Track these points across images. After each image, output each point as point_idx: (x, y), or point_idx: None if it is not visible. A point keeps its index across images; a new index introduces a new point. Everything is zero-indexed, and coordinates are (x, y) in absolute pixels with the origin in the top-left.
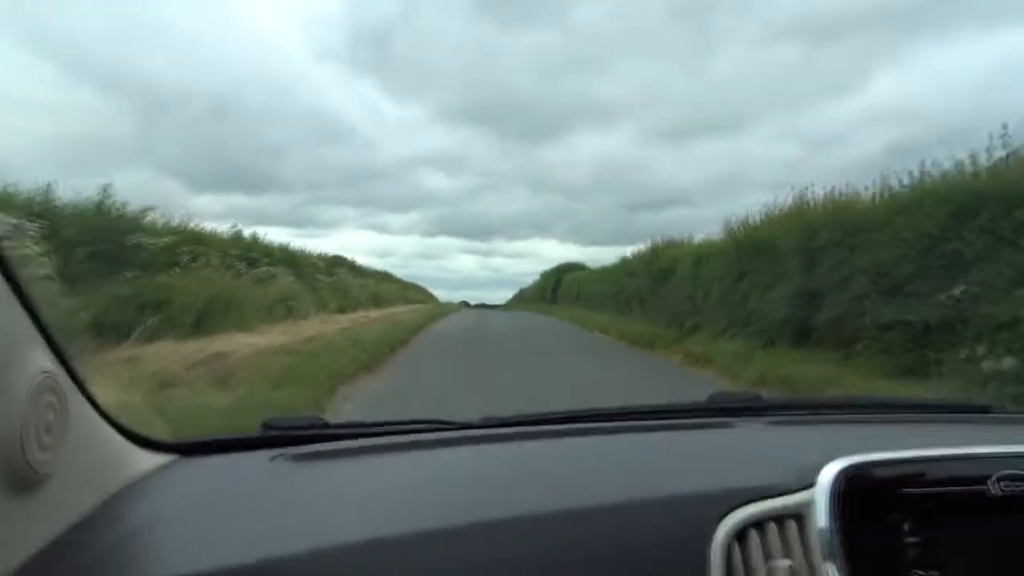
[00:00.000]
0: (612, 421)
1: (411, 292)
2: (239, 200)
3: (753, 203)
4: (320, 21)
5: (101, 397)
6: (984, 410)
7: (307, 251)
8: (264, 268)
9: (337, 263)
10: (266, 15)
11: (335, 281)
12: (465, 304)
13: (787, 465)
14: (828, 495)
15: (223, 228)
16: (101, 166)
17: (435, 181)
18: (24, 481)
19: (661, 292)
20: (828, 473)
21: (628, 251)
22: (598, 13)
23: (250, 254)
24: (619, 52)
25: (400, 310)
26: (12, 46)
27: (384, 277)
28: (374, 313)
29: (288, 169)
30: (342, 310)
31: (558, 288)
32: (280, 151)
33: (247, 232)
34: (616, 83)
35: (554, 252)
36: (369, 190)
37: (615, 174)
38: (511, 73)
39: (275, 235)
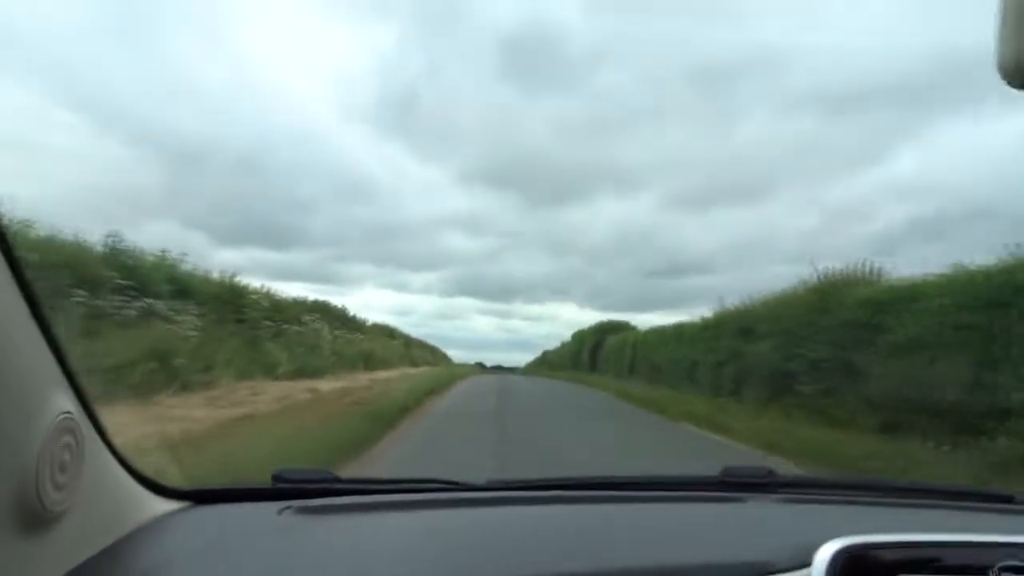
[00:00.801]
0: (623, 490)
1: (417, 351)
2: (262, 255)
3: (774, 274)
4: (348, 82)
5: (119, 441)
6: (1007, 499)
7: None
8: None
9: (318, 309)
10: (296, 74)
11: (301, 334)
12: (481, 366)
13: (787, 543)
14: (823, 574)
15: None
16: (127, 217)
17: (456, 242)
18: (36, 519)
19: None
20: (825, 553)
21: (648, 318)
22: (620, 80)
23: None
24: (641, 118)
25: (394, 374)
26: (44, 97)
27: (386, 333)
28: (362, 378)
29: (312, 226)
30: (301, 375)
31: (598, 351)
32: (304, 208)
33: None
34: (638, 149)
35: (572, 316)
36: (391, 249)
37: (635, 239)
38: (533, 137)
39: (297, 291)
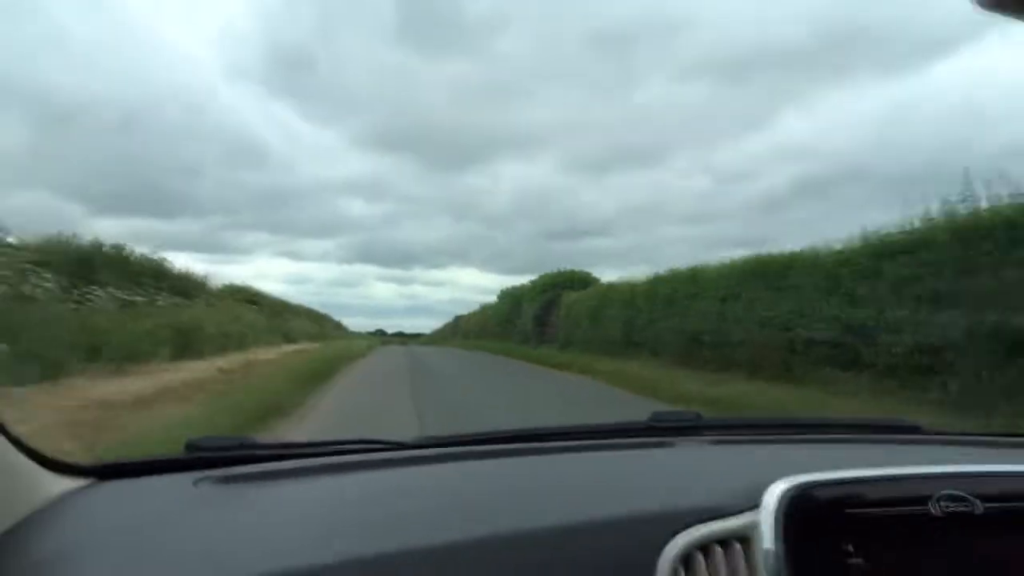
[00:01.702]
0: (552, 441)
1: (297, 322)
2: (145, 223)
3: (668, 236)
4: (234, 38)
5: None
6: (915, 429)
7: None
8: None
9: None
10: (178, 27)
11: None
12: (382, 334)
13: (731, 486)
14: (773, 516)
15: None
16: None
17: (353, 207)
18: None
19: None
20: (773, 494)
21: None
22: (520, 43)
23: None
24: (540, 82)
25: (238, 360)
26: None
27: (245, 298)
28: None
29: (199, 192)
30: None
31: (549, 314)
32: (190, 172)
33: None
34: (537, 112)
35: (473, 280)
36: (285, 215)
37: (535, 203)
38: (432, 101)
39: (185, 261)
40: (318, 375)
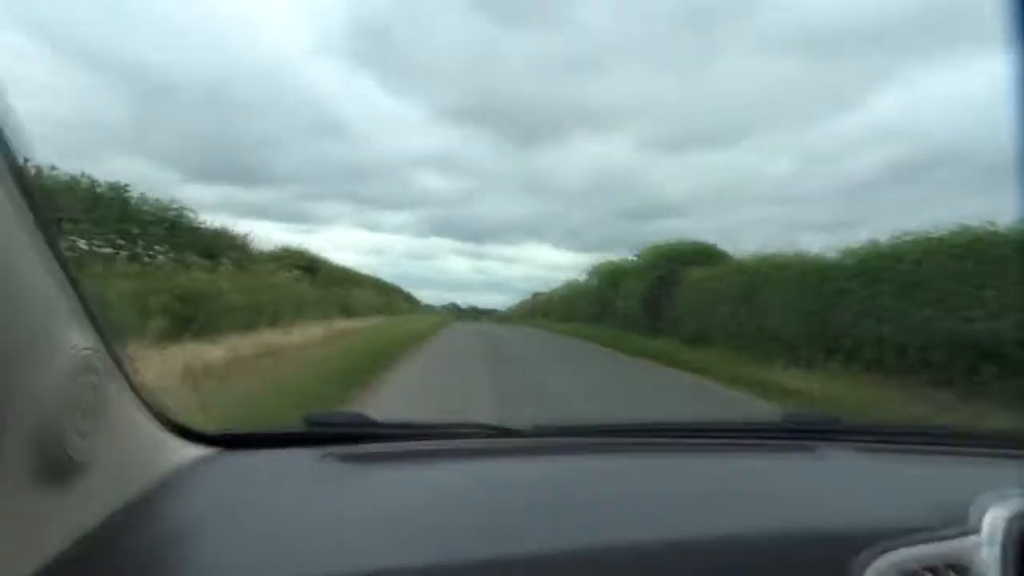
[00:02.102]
0: (677, 436)
1: (359, 293)
2: (232, 192)
3: (747, 217)
4: (318, 10)
5: (142, 380)
6: None
7: None
8: None
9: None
10: (264, 2)
11: None
12: (455, 308)
13: (921, 503)
14: (1001, 545)
15: None
16: (94, 152)
17: (430, 181)
18: (58, 469)
19: None
20: (995, 517)
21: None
22: (599, 15)
23: None
24: (619, 57)
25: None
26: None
27: (294, 263)
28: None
29: (282, 162)
30: None
31: (666, 297)
32: (274, 143)
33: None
34: (615, 89)
35: (546, 257)
36: (363, 187)
37: (611, 181)
38: (510, 74)
39: (266, 230)
40: (358, 372)
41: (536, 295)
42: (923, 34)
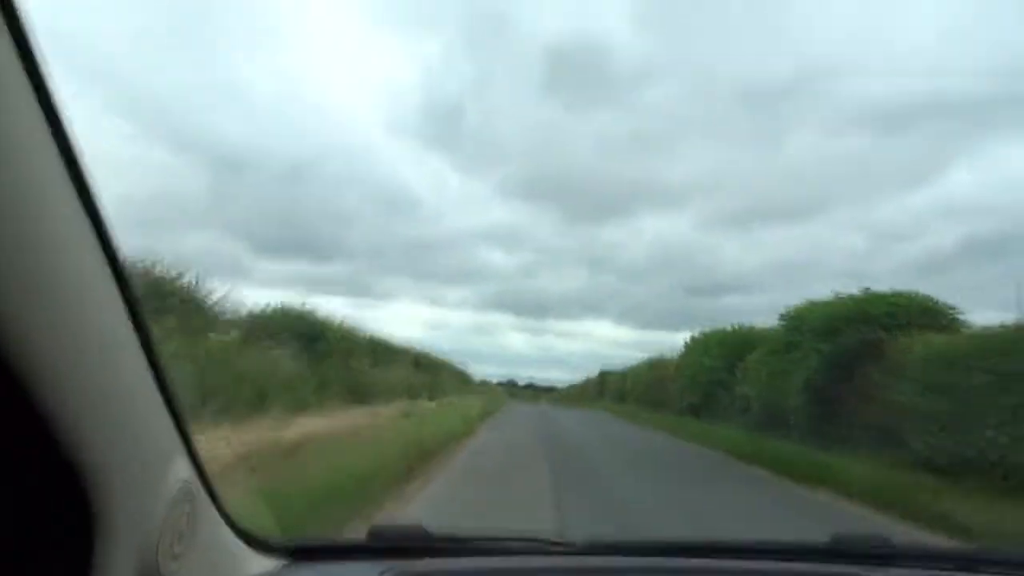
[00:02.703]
0: (729, 556)
1: (385, 372)
2: (301, 267)
3: (817, 294)
4: (394, 94)
5: (227, 497)
6: None
7: None
8: None
9: None
10: (342, 85)
11: None
12: (511, 386)
13: None
14: None
15: None
16: (169, 226)
17: (492, 257)
18: None
19: None
20: None
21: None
22: (666, 96)
23: None
24: (685, 135)
25: None
26: (94, 101)
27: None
28: None
29: (351, 238)
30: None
31: (855, 383)
32: (345, 219)
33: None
34: (681, 166)
35: (606, 333)
36: (428, 262)
37: (675, 257)
38: (575, 152)
39: (333, 305)
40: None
41: (605, 373)
42: (1001, 108)
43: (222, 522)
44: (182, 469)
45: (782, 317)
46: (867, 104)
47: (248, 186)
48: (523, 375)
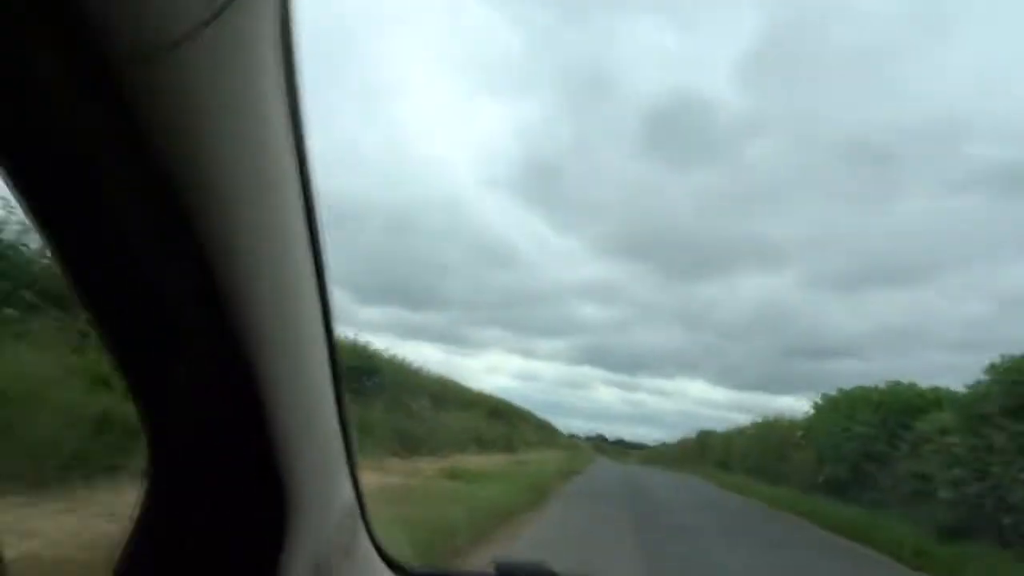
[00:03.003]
0: None
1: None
2: (399, 314)
3: (931, 362)
4: (494, 152)
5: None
6: None
7: None
8: None
9: None
10: (444, 143)
11: None
12: (599, 442)
13: None
14: None
15: None
16: None
17: (587, 311)
18: None
19: None
20: None
21: (785, 401)
22: (768, 153)
23: None
24: (790, 192)
25: None
26: None
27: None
28: None
29: (449, 288)
30: None
31: None
32: (443, 271)
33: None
34: (784, 224)
35: (700, 393)
36: (521, 314)
37: (775, 317)
38: (674, 209)
39: (427, 352)
40: None
41: (706, 434)
42: None
43: (371, 544)
44: (348, 490)
45: (990, 370)
46: (986, 161)
47: (354, 238)
48: (613, 431)
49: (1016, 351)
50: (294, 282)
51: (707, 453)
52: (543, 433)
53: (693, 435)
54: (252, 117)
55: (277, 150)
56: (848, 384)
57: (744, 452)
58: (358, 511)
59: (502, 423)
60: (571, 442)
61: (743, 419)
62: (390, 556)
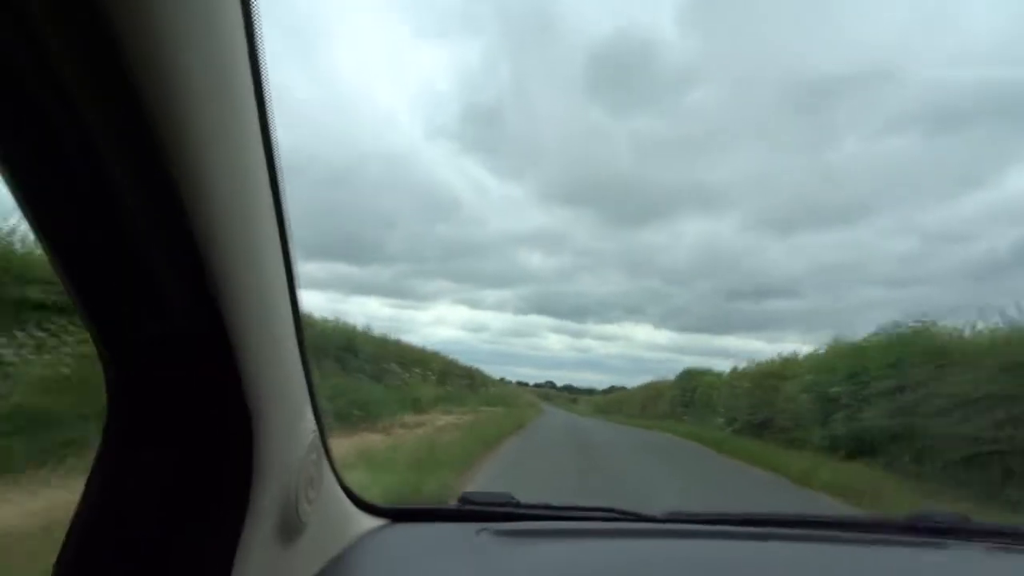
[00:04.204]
0: (808, 528)
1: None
2: (343, 269)
3: (864, 299)
4: (434, 99)
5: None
6: None
7: None
8: None
9: None
10: (384, 91)
11: None
12: (548, 389)
13: None
14: None
15: None
16: None
17: (532, 260)
18: (292, 531)
19: None
20: None
21: (728, 341)
22: (711, 97)
23: None
24: (731, 138)
25: None
26: None
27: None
28: None
29: (392, 241)
30: None
31: None
32: (387, 223)
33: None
34: (725, 168)
35: (646, 336)
36: (468, 265)
37: (717, 261)
38: (617, 155)
39: (374, 306)
40: None
41: (690, 374)
42: None
43: (333, 477)
44: (311, 421)
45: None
46: (922, 101)
47: (292, 191)
48: (561, 378)
49: (939, 286)
50: (253, 216)
51: (695, 400)
52: (489, 388)
53: (659, 378)
54: (215, 55)
55: (238, 89)
56: (783, 324)
57: (750, 402)
58: (322, 448)
59: (444, 384)
60: (514, 394)
61: (688, 360)
62: (357, 495)
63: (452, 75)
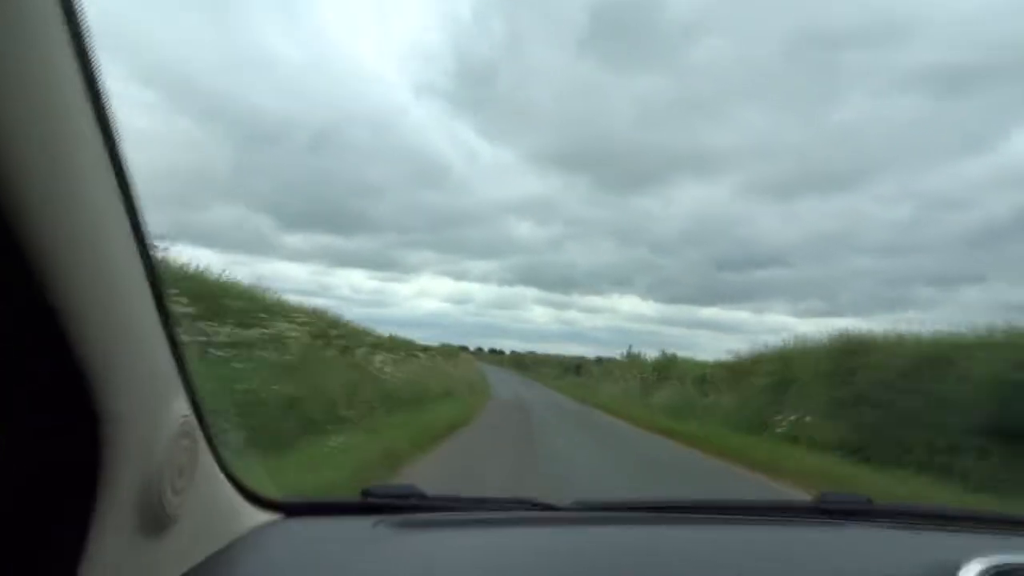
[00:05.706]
0: (715, 514)
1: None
2: (328, 240)
3: (857, 268)
4: (423, 54)
5: (223, 447)
6: None
7: None
8: None
9: None
10: (371, 49)
11: None
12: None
13: (918, 565)
14: None
15: None
16: (196, 200)
17: (521, 229)
18: (155, 523)
19: None
20: (970, 572)
21: (714, 312)
22: (713, 54)
23: None
24: (733, 96)
25: None
26: (118, 72)
27: None
28: None
29: (379, 211)
30: None
31: None
32: (373, 192)
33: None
34: (725, 131)
35: (632, 308)
36: (454, 235)
37: (709, 228)
38: (615, 116)
39: (358, 278)
40: None
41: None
42: None
43: (217, 467)
44: (182, 405)
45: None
46: (930, 60)
47: (275, 157)
48: (544, 351)
49: (935, 253)
50: (86, 180)
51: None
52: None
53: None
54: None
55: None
56: (772, 294)
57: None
58: (200, 434)
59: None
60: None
61: (675, 332)
62: (249, 487)
63: (442, 27)
